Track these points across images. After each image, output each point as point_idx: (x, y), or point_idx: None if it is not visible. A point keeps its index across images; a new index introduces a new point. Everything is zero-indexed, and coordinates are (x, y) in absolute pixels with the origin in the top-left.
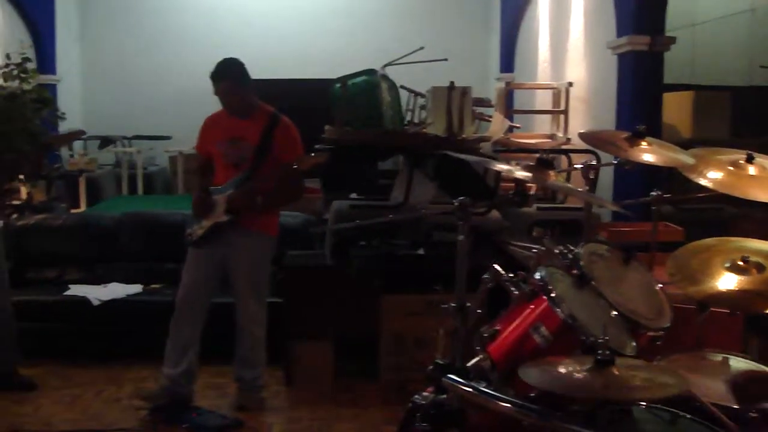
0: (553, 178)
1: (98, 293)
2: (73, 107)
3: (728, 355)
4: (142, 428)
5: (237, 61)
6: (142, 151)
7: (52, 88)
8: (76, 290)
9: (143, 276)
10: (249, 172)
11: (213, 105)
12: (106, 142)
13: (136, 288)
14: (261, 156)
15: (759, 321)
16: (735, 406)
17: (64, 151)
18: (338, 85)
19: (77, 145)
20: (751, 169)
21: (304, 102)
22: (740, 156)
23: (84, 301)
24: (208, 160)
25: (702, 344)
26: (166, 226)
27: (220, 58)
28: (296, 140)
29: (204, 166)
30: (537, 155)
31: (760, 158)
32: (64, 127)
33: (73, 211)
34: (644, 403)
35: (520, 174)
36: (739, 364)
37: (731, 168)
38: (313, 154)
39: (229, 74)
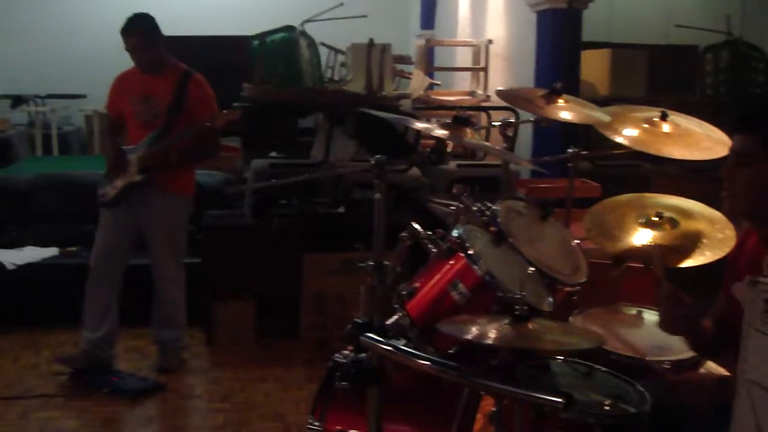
0: (470, 135)
1: (13, 257)
2: None
3: (642, 309)
4: (61, 394)
5: (147, 15)
6: (56, 110)
7: None
8: None
9: (59, 239)
10: (162, 130)
11: (129, 62)
12: (18, 101)
13: (52, 251)
14: (174, 113)
15: (672, 275)
16: (648, 358)
17: None
18: (256, 42)
19: None
20: (665, 127)
21: (222, 59)
22: (655, 114)
23: None
24: (119, 120)
25: (617, 298)
26: (82, 187)
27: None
28: (210, 97)
29: (114, 126)
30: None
31: (674, 116)
32: None
33: None
34: (561, 357)
35: (438, 132)
36: (652, 316)
37: (646, 125)
38: (225, 111)
39: (139, 29)
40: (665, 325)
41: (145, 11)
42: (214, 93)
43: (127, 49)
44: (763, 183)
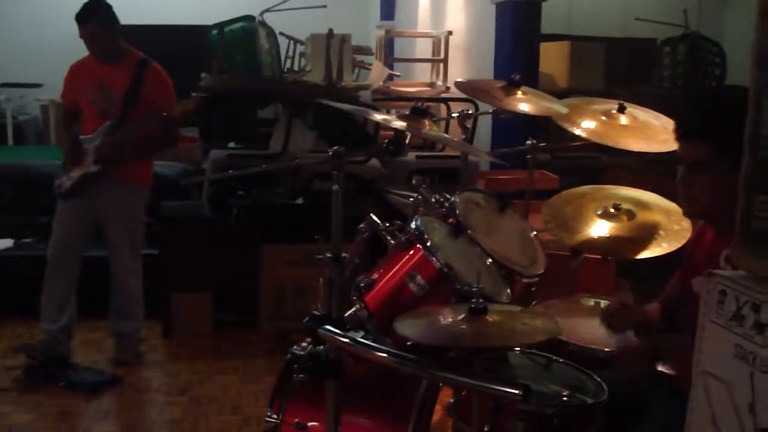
0: (428, 127)
1: None
2: None
3: (600, 299)
4: (15, 388)
5: (103, 2)
6: (11, 99)
7: None
8: None
9: (14, 230)
10: (118, 121)
11: (86, 51)
12: None
13: (7, 242)
14: (130, 103)
15: (629, 266)
16: (606, 349)
17: None
18: (215, 31)
19: None
20: (623, 119)
21: (180, 49)
22: (612, 106)
23: None
24: (74, 109)
25: (575, 289)
26: (38, 178)
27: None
28: (167, 86)
29: (69, 115)
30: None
31: (631, 108)
32: None
33: None
34: (518, 349)
35: (396, 123)
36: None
37: (604, 118)
38: (182, 101)
39: (94, 16)
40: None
41: None
42: (172, 82)
43: (82, 37)
44: (720, 187)
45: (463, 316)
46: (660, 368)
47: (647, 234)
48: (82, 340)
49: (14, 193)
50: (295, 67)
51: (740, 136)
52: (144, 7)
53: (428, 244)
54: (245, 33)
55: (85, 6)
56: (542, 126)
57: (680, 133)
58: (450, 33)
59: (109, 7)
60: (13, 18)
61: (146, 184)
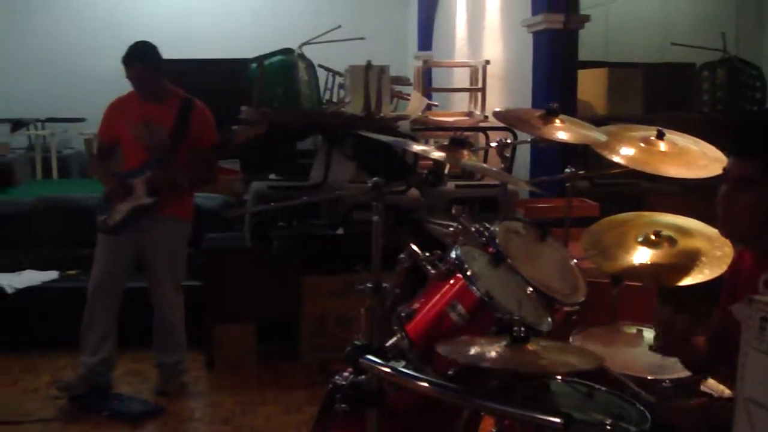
0: (467, 157)
1: (13, 281)
2: None
3: (642, 327)
4: (60, 418)
5: (149, 44)
6: (56, 133)
7: None
8: None
9: (59, 262)
10: (164, 154)
11: (128, 85)
12: (18, 125)
13: (52, 275)
14: (177, 140)
15: (671, 293)
16: (649, 377)
17: None
18: (255, 65)
19: None
20: (662, 146)
21: (221, 82)
22: (651, 132)
23: None
24: (111, 145)
25: (617, 317)
26: (82, 211)
27: (132, 38)
28: (211, 122)
29: (105, 151)
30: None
31: (670, 134)
32: None
33: None
34: (560, 377)
35: (435, 154)
36: (652, 335)
37: (643, 144)
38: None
39: (141, 59)
40: (661, 349)
41: (143, 34)
42: (213, 118)
43: (129, 78)
44: (761, 207)
45: (504, 344)
46: None
47: (689, 261)
48: (127, 370)
49: (59, 226)
50: (334, 99)
51: None
52: (185, 42)
53: (468, 273)
54: (284, 66)
55: (131, 48)
56: (581, 153)
57: (732, 148)
58: (487, 62)
59: (155, 48)
60: (56, 54)
61: (188, 217)
